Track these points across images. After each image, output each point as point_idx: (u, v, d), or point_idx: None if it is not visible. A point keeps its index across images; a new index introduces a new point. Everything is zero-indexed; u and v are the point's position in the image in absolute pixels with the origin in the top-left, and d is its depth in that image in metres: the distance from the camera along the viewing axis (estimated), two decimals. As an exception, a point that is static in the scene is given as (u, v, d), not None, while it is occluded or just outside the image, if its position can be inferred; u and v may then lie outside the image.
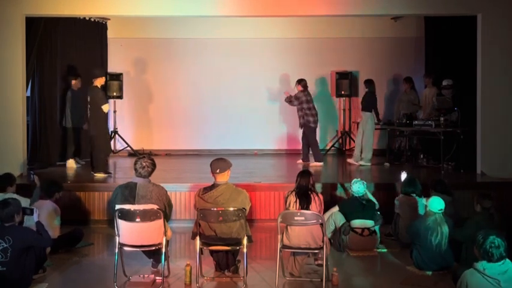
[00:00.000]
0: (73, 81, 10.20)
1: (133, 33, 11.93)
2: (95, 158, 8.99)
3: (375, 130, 10.44)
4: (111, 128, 11.42)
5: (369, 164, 10.08)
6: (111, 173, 9.19)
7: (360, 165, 10.09)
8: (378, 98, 10.48)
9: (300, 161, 10.38)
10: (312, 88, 12.10)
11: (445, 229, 5.84)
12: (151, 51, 12.12)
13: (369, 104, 10.20)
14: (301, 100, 10.07)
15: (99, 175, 8.86)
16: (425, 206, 6.03)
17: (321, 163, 10.10)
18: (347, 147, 11.76)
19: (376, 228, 6.64)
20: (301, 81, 10.15)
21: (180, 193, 7.91)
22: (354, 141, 11.01)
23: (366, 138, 10.17)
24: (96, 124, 8.85)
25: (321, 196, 5.82)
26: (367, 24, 11.71)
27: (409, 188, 6.95)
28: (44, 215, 6.25)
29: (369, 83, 10.30)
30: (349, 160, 10.47)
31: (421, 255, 5.88)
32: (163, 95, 12.16)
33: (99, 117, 8.85)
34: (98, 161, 8.94)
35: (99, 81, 8.96)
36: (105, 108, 8.90)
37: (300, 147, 10.63)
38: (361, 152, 10.23)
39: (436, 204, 5.92)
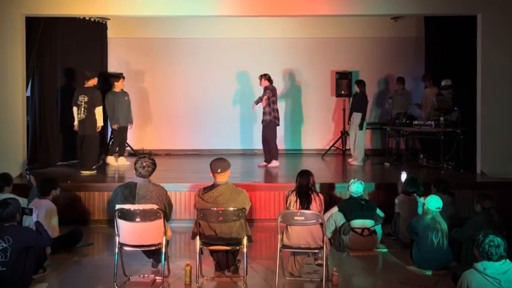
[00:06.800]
0: (116, 83, 10.30)
1: (133, 33, 11.92)
2: (84, 156, 9.35)
3: (366, 130, 10.47)
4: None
5: (362, 163, 10.09)
6: (95, 170, 9.34)
7: (353, 165, 10.12)
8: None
9: (264, 163, 10.05)
10: (312, 88, 12.14)
11: (444, 227, 5.85)
12: (151, 51, 12.11)
13: (362, 105, 10.19)
14: (274, 93, 9.87)
15: (86, 173, 9.07)
16: (423, 204, 6.04)
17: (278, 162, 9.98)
18: (347, 147, 11.75)
19: (378, 228, 6.64)
20: (267, 75, 9.91)
21: (180, 193, 7.91)
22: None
23: (359, 139, 10.16)
24: (90, 124, 9.26)
25: (321, 196, 5.82)
26: (367, 24, 11.70)
27: (411, 188, 6.92)
28: (42, 214, 6.24)
29: (361, 83, 10.29)
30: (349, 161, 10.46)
31: (421, 254, 5.88)
32: (163, 95, 12.15)
33: (93, 118, 9.27)
34: (87, 159, 9.25)
35: (92, 82, 9.36)
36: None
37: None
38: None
39: (433, 202, 5.93)
